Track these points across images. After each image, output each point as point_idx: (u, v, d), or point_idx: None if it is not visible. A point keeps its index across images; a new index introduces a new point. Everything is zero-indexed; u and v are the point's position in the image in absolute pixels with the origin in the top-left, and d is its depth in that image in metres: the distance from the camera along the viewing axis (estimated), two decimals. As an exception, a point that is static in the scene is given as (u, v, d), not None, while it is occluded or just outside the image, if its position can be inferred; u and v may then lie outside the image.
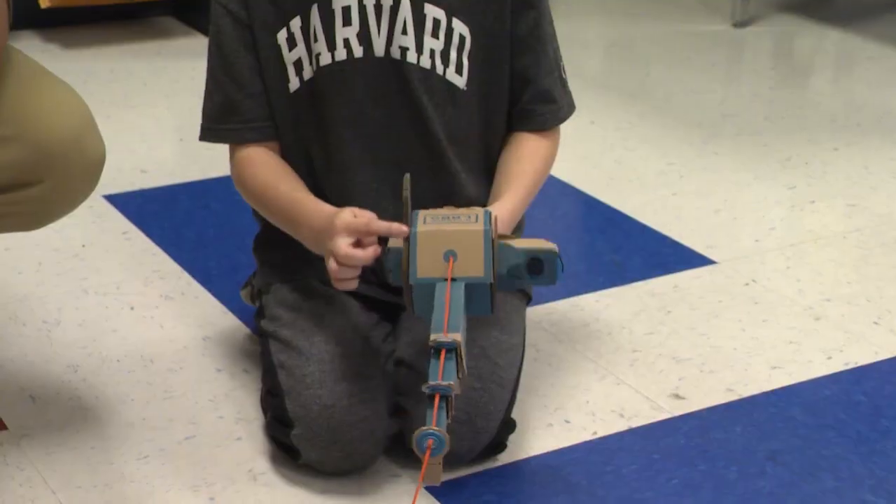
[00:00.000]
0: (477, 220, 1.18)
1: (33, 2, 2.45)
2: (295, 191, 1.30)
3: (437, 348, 1.09)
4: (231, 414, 1.36)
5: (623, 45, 2.72)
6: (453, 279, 1.15)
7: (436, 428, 1.06)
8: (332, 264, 1.19)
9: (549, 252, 1.21)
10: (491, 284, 1.17)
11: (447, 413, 1.08)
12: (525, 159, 1.34)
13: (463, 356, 1.10)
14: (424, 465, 1.06)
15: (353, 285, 1.21)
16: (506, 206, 1.28)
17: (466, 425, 1.25)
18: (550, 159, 1.37)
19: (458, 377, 1.09)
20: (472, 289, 1.16)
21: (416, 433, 1.07)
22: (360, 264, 1.19)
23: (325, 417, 1.23)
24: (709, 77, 2.51)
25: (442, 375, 1.07)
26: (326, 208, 1.26)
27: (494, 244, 1.18)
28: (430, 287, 1.16)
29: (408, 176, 1.17)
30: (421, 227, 1.17)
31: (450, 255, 1.16)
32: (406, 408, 1.27)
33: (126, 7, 2.60)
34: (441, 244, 1.16)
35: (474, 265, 1.17)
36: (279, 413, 1.27)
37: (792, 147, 2.15)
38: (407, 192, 1.16)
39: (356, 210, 1.20)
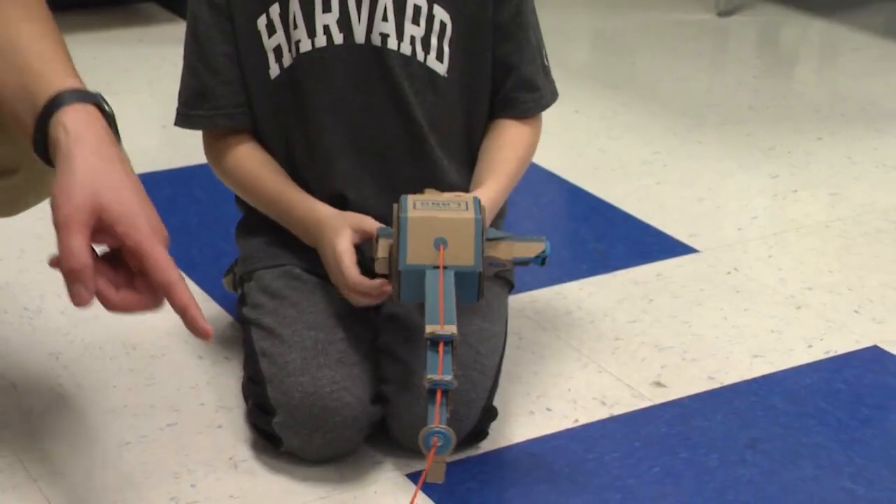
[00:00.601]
0: (467, 208, 1.18)
1: (16, -12, 2.43)
2: (281, 184, 1.31)
3: (435, 341, 1.08)
4: (213, 401, 1.36)
5: (607, 34, 2.72)
6: (444, 267, 1.15)
7: (442, 426, 1.06)
8: (346, 292, 1.24)
9: (534, 259, 1.22)
10: (480, 273, 1.17)
11: (445, 406, 1.08)
12: (507, 146, 1.34)
13: (455, 347, 1.10)
14: (428, 464, 1.06)
15: (366, 302, 1.25)
16: (488, 192, 1.28)
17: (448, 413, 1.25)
18: (532, 146, 1.37)
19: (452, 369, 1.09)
20: (461, 277, 1.16)
21: (423, 431, 1.06)
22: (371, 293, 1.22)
23: (307, 405, 1.23)
24: (693, 66, 2.52)
25: (441, 369, 1.07)
26: (322, 210, 1.27)
27: (484, 232, 1.18)
28: (419, 274, 1.16)
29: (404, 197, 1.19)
30: (412, 213, 1.17)
31: (440, 243, 1.16)
32: (388, 395, 1.27)
33: (109, -7, 2.59)
34: (431, 231, 1.16)
35: (464, 254, 1.17)
36: (261, 400, 1.27)
37: (776, 136, 2.15)
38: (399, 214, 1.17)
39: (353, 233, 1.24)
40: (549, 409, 1.38)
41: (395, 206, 1.19)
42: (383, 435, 1.28)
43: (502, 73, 1.34)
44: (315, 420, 1.23)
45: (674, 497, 1.24)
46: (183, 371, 1.42)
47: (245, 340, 1.32)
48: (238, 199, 1.42)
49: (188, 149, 1.96)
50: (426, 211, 1.17)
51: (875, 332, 1.56)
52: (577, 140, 2.12)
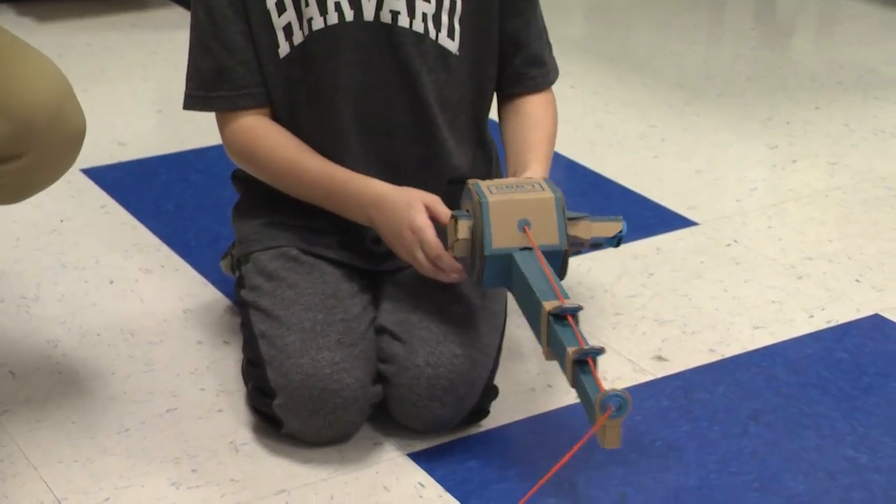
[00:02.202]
0: (543, 188, 1.19)
1: (6, -25, 2.43)
2: (325, 164, 1.30)
3: (563, 315, 1.08)
4: (212, 386, 1.36)
5: (603, 8, 2.70)
6: (530, 248, 1.15)
7: (617, 390, 1.06)
8: (419, 255, 1.24)
9: (610, 239, 1.24)
10: (565, 251, 1.17)
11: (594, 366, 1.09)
12: (539, 127, 1.35)
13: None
14: (603, 424, 1.06)
15: (445, 278, 1.25)
16: (539, 174, 1.28)
17: (449, 392, 1.25)
18: (556, 120, 1.38)
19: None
20: (545, 257, 1.16)
21: (600, 396, 1.05)
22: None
23: (307, 386, 1.22)
24: (690, 39, 2.50)
25: (582, 339, 1.07)
26: (379, 185, 1.27)
27: (564, 211, 1.18)
28: (506, 258, 1.16)
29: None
30: (491, 197, 1.16)
31: (524, 225, 1.16)
32: (388, 376, 1.27)
33: (101, -21, 2.57)
34: (514, 213, 1.16)
35: (549, 233, 1.17)
36: (261, 383, 1.26)
37: (773, 107, 2.14)
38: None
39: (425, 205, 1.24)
40: (549, 386, 1.37)
41: (466, 191, 1.19)
42: (383, 415, 1.27)
43: (511, 49, 1.34)
44: (315, 402, 1.22)
45: (676, 470, 1.23)
46: (182, 356, 1.41)
47: (244, 323, 1.32)
48: (235, 178, 1.41)
49: (184, 134, 1.96)
50: (505, 194, 1.17)
51: (875, 300, 1.55)
52: (573, 115, 2.11)
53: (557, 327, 1.09)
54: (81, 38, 2.41)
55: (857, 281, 1.60)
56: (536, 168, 1.29)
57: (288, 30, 1.29)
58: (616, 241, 1.24)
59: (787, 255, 1.66)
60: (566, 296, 1.11)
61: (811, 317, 1.52)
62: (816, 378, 1.39)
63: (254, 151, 1.32)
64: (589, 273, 1.61)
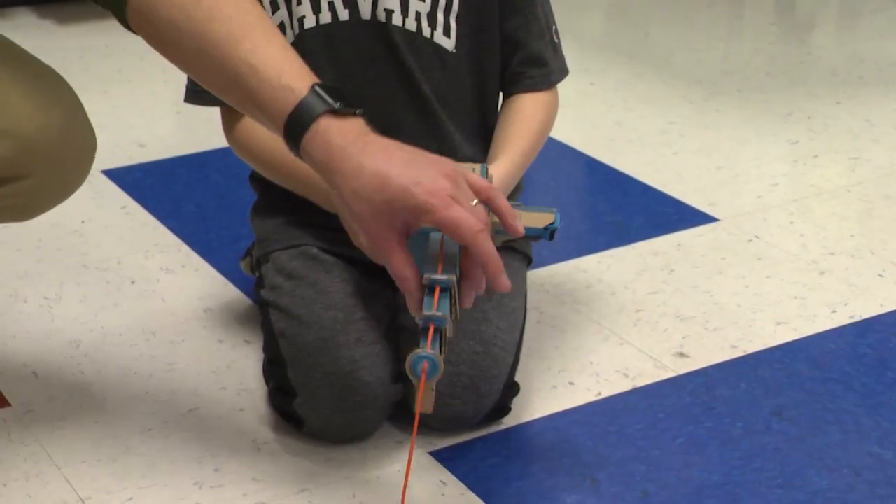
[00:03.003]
0: (473, 172, 1.16)
1: (26, -22, 2.44)
2: None
3: (432, 285, 1.06)
4: (234, 385, 1.36)
5: (622, 5, 2.70)
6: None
7: (430, 351, 1.03)
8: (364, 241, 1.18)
9: (542, 231, 1.19)
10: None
11: (440, 348, 1.06)
12: (520, 122, 1.33)
13: (456, 300, 1.08)
14: (421, 391, 1.03)
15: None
16: (500, 168, 1.27)
17: (470, 389, 1.25)
18: (547, 121, 1.35)
19: (451, 318, 1.07)
20: None
21: (410, 356, 1.03)
22: None
23: (328, 385, 1.22)
24: (709, 34, 2.49)
25: (437, 306, 1.04)
26: None
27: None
28: (422, 237, 1.14)
29: None
30: None
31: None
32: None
33: (120, -19, 2.58)
34: None
35: None
36: (282, 382, 1.27)
37: (794, 102, 2.13)
38: None
39: None
40: (571, 383, 1.37)
41: None
42: (405, 414, 1.27)
43: (510, 49, 1.33)
44: (336, 400, 1.22)
45: (699, 467, 1.23)
46: (203, 356, 1.42)
47: (264, 323, 1.32)
48: (253, 178, 1.41)
49: (203, 134, 1.96)
50: None
51: (899, 295, 1.55)
52: (592, 112, 2.10)
53: (425, 297, 1.06)
54: (101, 40, 2.42)
55: (880, 276, 1.59)
56: (503, 160, 1.28)
57: (281, 28, 1.29)
58: (549, 234, 1.18)
59: (809, 251, 1.65)
60: (450, 271, 1.06)
61: (834, 312, 1.51)
62: (840, 374, 1.38)
63: (240, 142, 1.32)
64: (609, 270, 1.61)
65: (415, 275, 1.04)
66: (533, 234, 1.19)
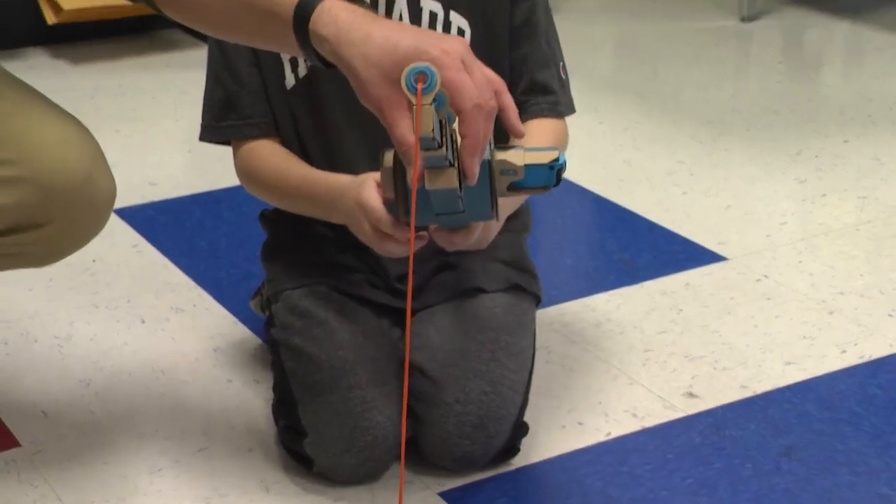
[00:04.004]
0: None
1: (41, 18, 2.46)
2: (306, 169, 1.30)
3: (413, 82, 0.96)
4: (243, 424, 1.36)
5: (630, 43, 2.71)
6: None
7: (423, 63, 0.95)
8: (366, 227, 1.17)
9: (548, 167, 1.10)
10: (489, 163, 1.06)
11: (441, 138, 0.96)
12: (528, 142, 1.30)
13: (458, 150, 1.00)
14: (419, 108, 0.94)
15: (398, 250, 1.16)
16: None
17: (479, 430, 1.25)
18: (558, 141, 1.32)
19: (453, 164, 0.99)
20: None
21: (405, 71, 0.95)
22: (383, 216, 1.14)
23: (338, 424, 1.23)
24: (717, 73, 2.50)
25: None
26: (343, 178, 1.25)
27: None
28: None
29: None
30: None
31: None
32: (418, 413, 1.27)
33: (133, 21, 2.61)
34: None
35: None
36: (292, 421, 1.27)
37: (802, 140, 2.14)
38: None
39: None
40: (580, 423, 1.37)
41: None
42: (414, 453, 1.27)
43: (516, 78, 1.33)
44: (346, 440, 1.23)
45: (709, 508, 1.22)
46: (212, 395, 1.42)
47: (274, 362, 1.32)
48: (263, 217, 1.42)
49: (215, 172, 1.98)
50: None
51: (909, 335, 1.54)
52: (601, 151, 2.11)
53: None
54: (114, 80, 2.44)
55: (890, 316, 1.59)
56: None
57: (294, 62, 1.31)
58: (555, 174, 1.09)
59: (819, 290, 1.65)
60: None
61: (843, 352, 1.51)
62: (849, 414, 1.38)
63: (250, 169, 1.33)
64: (618, 309, 1.61)
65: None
66: (539, 183, 1.10)
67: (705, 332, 1.55)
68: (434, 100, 0.97)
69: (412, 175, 0.99)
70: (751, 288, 1.66)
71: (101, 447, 1.32)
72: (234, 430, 1.36)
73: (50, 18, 2.46)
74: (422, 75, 0.95)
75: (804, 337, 1.54)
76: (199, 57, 2.54)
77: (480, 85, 0.97)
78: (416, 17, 1.28)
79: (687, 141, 2.15)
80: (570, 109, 1.36)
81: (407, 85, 0.96)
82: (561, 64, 1.36)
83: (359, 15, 1.00)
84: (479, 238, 1.17)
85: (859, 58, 2.67)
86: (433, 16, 1.28)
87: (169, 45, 2.62)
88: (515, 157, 1.09)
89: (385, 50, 0.97)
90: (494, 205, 1.08)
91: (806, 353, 1.50)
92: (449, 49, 0.97)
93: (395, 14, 1.27)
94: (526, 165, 1.09)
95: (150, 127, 2.22)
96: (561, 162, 1.10)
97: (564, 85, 1.36)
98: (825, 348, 1.52)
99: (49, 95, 1.22)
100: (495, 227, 1.20)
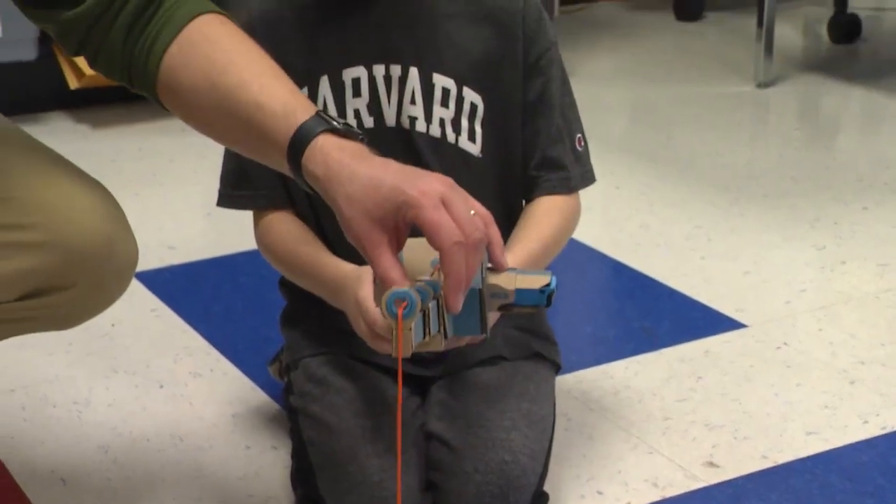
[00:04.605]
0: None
1: (63, 83, 2.49)
2: (316, 252, 1.30)
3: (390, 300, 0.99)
4: (261, 492, 1.36)
5: (646, 108, 2.73)
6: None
7: (406, 287, 0.97)
8: (361, 325, 1.17)
9: (538, 293, 1.10)
10: (480, 291, 1.07)
11: (424, 320, 1.00)
12: (532, 225, 1.30)
13: (443, 309, 1.02)
14: (400, 331, 0.97)
15: (385, 348, 1.16)
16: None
17: (499, 499, 1.24)
18: (564, 226, 1.32)
19: (439, 331, 1.02)
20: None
21: (385, 295, 0.97)
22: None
23: (357, 494, 1.22)
24: (733, 139, 2.51)
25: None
26: (345, 267, 1.25)
27: (483, 259, 1.08)
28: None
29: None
30: (409, 240, 1.08)
31: (435, 264, 1.06)
32: (437, 482, 1.26)
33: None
34: (428, 252, 1.05)
35: None
36: (310, 490, 1.26)
37: (820, 207, 2.14)
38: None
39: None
40: (600, 493, 1.36)
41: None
42: (433, 524, 1.26)
43: (529, 153, 1.33)
44: (364, 509, 1.22)
45: (731, 582, 1.21)
46: (230, 462, 1.41)
47: (293, 429, 1.32)
48: (282, 284, 1.43)
49: (233, 236, 1.98)
50: (423, 239, 1.07)
51: (931, 405, 1.53)
52: (618, 216, 2.12)
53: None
54: (133, 143, 2.46)
55: (912, 385, 1.58)
56: (509, 261, 1.25)
57: None
58: (546, 297, 1.10)
59: (839, 359, 1.65)
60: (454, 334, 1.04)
61: (865, 423, 1.49)
62: (873, 486, 1.36)
63: (267, 244, 1.34)
64: (637, 376, 1.60)
65: (401, 278, 0.99)
66: (530, 303, 1.11)
67: (725, 401, 1.54)
68: (419, 291, 1.00)
69: (397, 348, 0.99)
70: (770, 356, 1.65)
71: (118, 515, 1.32)
72: (253, 497, 1.35)
73: (72, 83, 2.48)
74: (401, 301, 0.98)
75: (825, 406, 1.53)
76: (218, 121, 2.57)
77: (463, 220, 0.98)
78: (428, 94, 1.29)
79: (704, 206, 2.15)
80: (587, 181, 1.36)
81: (387, 310, 0.98)
82: (577, 136, 1.35)
83: (348, 153, 1.02)
84: (469, 340, 1.17)
85: (876, 125, 2.67)
86: (446, 92, 1.29)
87: (189, 109, 2.64)
88: (507, 281, 1.11)
89: (367, 189, 0.99)
90: (484, 326, 1.10)
91: (827, 423, 1.49)
92: (427, 189, 0.98)
93: (408, 91, 1.28)
94: (517, 289, 1.11)
95: (168, 191, 2.24)
96: (552, 287, 1.11)
97: (580, 158, 1.35)
98: (847, 418, 1.50)
99: (71, 159, 1.23)
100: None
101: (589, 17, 3.34)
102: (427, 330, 1.03)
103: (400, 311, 0.98)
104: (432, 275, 1.06)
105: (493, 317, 1.15)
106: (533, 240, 1.28)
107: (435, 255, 1.05)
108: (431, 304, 1.03)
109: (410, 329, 0.99)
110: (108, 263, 1.17)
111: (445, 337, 1.05)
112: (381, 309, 0.99)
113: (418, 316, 0.99)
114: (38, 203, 1.15)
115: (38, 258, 1.14)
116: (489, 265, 1.11)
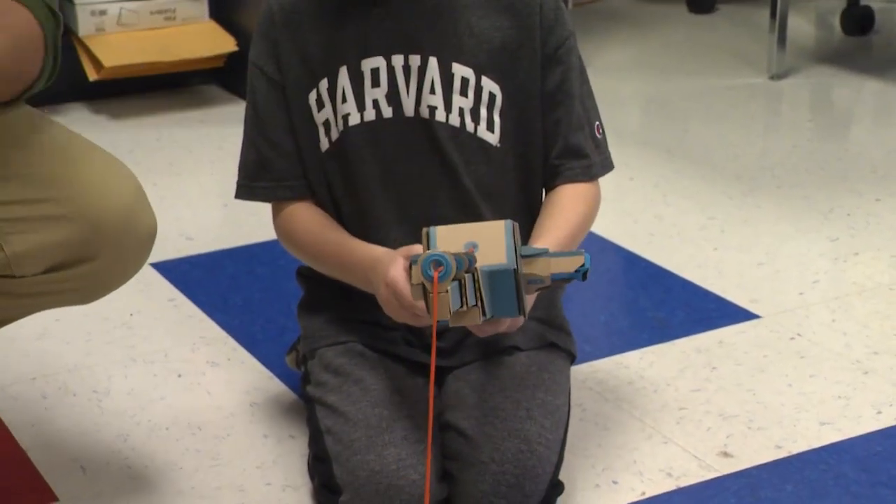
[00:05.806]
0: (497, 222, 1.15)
1: (82, 75, 2.50)
2: (343, 237, 1.32)
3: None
4: (278, 481, 1.37)
5: (660, 100, 2.73)
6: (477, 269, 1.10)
7: (440, 251, 1.00)
8: (394, 304, 1.19)
9: (574, 274, 1.16)
10: (515, 271, 1.10)
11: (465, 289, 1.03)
12: (558, 213, 1.32)
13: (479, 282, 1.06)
14: (435, 294, 1.00)
15: (420, 321, 1.18)
16: None
17: (515, 489, 1.25)
18: (588, 213, 1.34)
19: (476, 304, 1.05)
20: (494, 279, 1.10)
21: (422, 258, 1.00)
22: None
23: (374, 483, 1.23)
24: (747, 130, 2.51)
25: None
26: (377, 250, 1.27)
27: (516, 236, 1.13)
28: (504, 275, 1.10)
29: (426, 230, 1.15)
30: (440, 227, 1.13)
31: (470, 246, 1.11)
32: (454, 472, 1.27)
33: (171, 77, 2.65)
34: (460, 238, 1.11)
35: (496, 253, 1.11)
36: (327, 479, 1.27)
37: (833, 199, 2.14)
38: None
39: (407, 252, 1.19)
40: (614, 482, 1.37)
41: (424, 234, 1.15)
42: (449, 512, 1.27)
43: (550, 142, 1.34)
44: (381, 499, 1.23)
45: (745, 571, 1.22)
46: (248, 451, 1.43)
47: (310, 419, 1.33)
48: (300, 275, 1.44)
49: (250, 227, 2.00)
50: (454, 226, 1.13)
51: (945, 396, 1.54)
52: (632, 207, 2.12)
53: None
54: (151, 134, 2.47)
55: (925, 376, 1.58)
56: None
57: (327, 125, 1.33)
58: (581, 274, 1.15)
59: (853, 350, 1.65)
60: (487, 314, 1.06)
61: (879, 413, 1.50)
62: (887, 477, 1.37)
63: (290, 233, 1.36)
64: (651, 366, 1.61)
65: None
66: (564, 278, 1.16)
67: (739, 391, 1.55)
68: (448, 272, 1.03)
69: (433, 313, 1.03)
70: (784, 346, 1.66)
71: (138, 502, 1.33)
72: (270, 486, 1.36)
73: (91, 75, 2.50)
74: (438, 264, 1.01)
75: (839, 397, 1.54)
76: (233, 112, 2.58)
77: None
78: (447, 84, 1.29)
79: (718, 197, 2.16)
80: (607, 168, 1.37)
81: (423, 273, 1.01)
82: (596, 123, 1.36)
83: None
84: (509, 325, 1.18)
85: (889, 116, 2.67)
86: (465, 81, 1.30)
87: (204, 101, 2.65)
88: (542, 268, 1.14)
89: None
90: (521, 308, 1.12)
91: (841, 414, 1.50)
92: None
93: (427, 81, 1.29)
94: (552, 275, 1.14)
95: (186, 181, 2.25)
96: (587, 266, 1.15)
97: (599, 145, 1.36)
98: (861, 409, 1.51)
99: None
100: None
101: (602, 10, 3.34)
102: (464, 300, 1.04)
103: (436, 274, 0.99)
104: (467, 254, 1.07)
105: (529, 300, 1.17)
106: (561, 227, 1.29)
107: (467, 241, 1.06)
108: (467, 277, 1.04)
109: (447, 292, 1.01)
110: (130, 235, 1.19)
111: (483, 314, 1.06)
112: (416, 272, 1.00)
113: (454, 284, 1.00)
114: (58, 178, 1.17)
115: (63, 230, 1.17)
116: (524, 254, 1.13)
